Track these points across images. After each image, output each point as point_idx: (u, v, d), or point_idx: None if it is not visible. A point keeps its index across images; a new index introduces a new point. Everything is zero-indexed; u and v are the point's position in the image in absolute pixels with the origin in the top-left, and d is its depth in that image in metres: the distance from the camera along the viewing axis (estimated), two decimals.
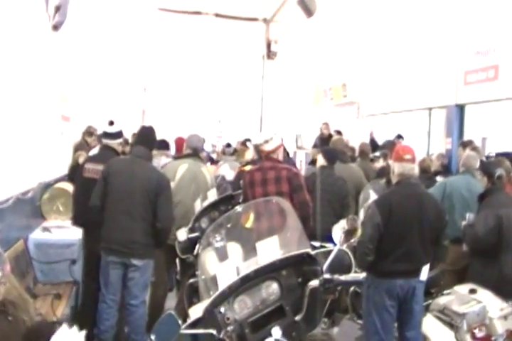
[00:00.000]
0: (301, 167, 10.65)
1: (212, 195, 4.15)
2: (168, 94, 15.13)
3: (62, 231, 5.00)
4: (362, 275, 2.29)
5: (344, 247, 2.41)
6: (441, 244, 3.46)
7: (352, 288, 3.75)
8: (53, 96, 5.91)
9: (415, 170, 3.53)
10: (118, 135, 4.41)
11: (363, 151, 6.82)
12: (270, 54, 12.17)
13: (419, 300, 3.43)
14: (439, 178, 5.75)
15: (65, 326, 2.53)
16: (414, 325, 3.44)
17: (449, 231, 3.65)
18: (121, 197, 3.80)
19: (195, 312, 2.36)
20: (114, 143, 4.35)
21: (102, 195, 3.85)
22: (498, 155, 6.02)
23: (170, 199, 3.98)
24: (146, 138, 4.07)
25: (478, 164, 4.92)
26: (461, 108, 8.53)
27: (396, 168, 3.44)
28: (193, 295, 3.06)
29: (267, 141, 4.04)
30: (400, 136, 9.09)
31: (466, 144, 6.42)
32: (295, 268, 2.33)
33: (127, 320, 3.93)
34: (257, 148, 4.22)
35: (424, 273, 3.38)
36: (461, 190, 4.85)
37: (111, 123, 4.36)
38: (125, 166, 3.92)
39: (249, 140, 8.48)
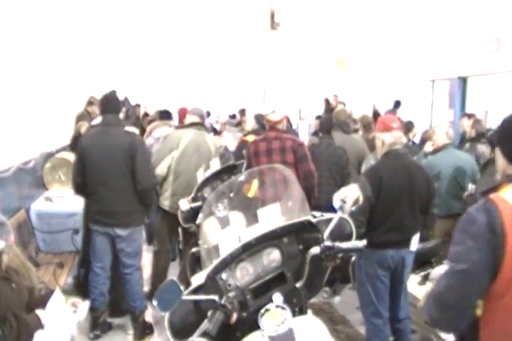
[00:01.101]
0: (304, 138, 10.63)
1: (215, 165, 4.13)
2: (171, 65, 14.95)
3: (64, 200, 5.02)
4: (362, 243, 2.28)
5: (345, 215, 2.39)
6: (429, 212, 3.54)
7: (353, 258, 3.77)
8: (58, 68, 5.84)
9: (404, 138, 3.56)
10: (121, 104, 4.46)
11: (366, 124, 6.75)
12: (274, 24, 11.94)
13: (409, 271, 3.53)
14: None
15: (58, 293, 2.57)
16: (404, 296, 3.53)
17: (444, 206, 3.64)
18: (97, 169, 3.79)
19: (197, 280, 2.37)
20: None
21: (81, 170, 3.85)
22: None
23: (146, 159, 3.94)
24: (111, 104, 3.97)
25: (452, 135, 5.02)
26: (463, 80, 8.44)
27: (386, 138, 3.40)
28: (196, 264, 3.06)
29: (273, 111, 4.06)
30: (398, 103, 9.00)
31: (469, 116, 6.36)
32: (296, 236, 2.31)
33: (124, 289, 3.98)
34: (264, 118, 4.23)
35: (414, 243, 3.44)
36: (446, 167, 4.85)
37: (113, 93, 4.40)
38: (96, 138, 3.89)
39: (243, 110, 8.45)
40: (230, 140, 6.35)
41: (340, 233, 2.33)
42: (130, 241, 3.90)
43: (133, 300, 3.97)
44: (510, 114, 1.86)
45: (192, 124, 4.76)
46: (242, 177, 2.75)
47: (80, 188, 3.94)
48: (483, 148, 5.33)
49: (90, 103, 7.03)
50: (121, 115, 4.03)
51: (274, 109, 4.08)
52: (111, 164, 3.77)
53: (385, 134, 3.41)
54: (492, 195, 1.70)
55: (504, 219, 1.62)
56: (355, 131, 6.72)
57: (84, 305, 2.88)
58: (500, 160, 1.80)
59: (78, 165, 3.89)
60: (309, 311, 2.30)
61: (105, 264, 3.95)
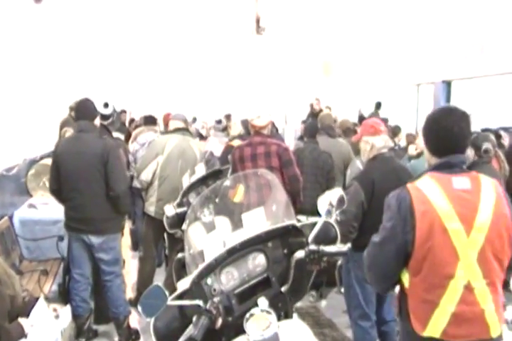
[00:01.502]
0: (290, 143, 10.65)
1: (201, 170, 4.13)
2: (157, 71, 14.91)
3: (49, 207, 4.96)
4: (346, 247, 2.30)
5: (330, 219, 2.40)
6: None
7: (339, 262, 3.78)
8: (42, 73, 5.81)
9: (390, 141, 3.66)
10: (110, 116, 4.70)
11: (345, 129, 6.72)
12: (259, 29, 11.99)
13: None
14: None
15: (42, 301, 2.54)
16: (390, 298, 3.50)
17: None
18: (71, 175, 3.76)
19: (183, 285, 2.36)
20: (105, 122, 4.52)
21: (56, 177, 3.82)
22: (483, 130, 6.06)
23: (119, 165, 3.89)
24: (85, 110, 3.94)
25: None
26: (448, 84, 8.55)
27: (376, 141, 3.40)
28: (182, 270, 3.04)
29: (258, 117, 4.07)
30: (379, 105, 9.05)
31: None
32: (281, 240, 2.31)
33: (106, 297, 3.96)
34: (249, 123, 4.24)
35: None
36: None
37: (106, 105, 4.53)
38: (69, 144, 3.86)
39: (229, 115, 8.46)
40: (216, 145, 6.35)
41: (325, 237, 2.33)
42: (107, 250, 3.86)
43: (115, 306, 3.94)
44: (432, 112, 2.07)
45: (177, 130, 4.76)
46: (227, 182, 2.75)
47: (56, 195, 3.92)
48: (468, 152, 5.39)
49: (73, 109, 6.98)
50: (97, 121, 4.00)
51: (259, 114, 4.09)
52: (84, 170, 3.74)
53: (375, 138, 3.41)
54: (408, 184, 2.00)
55: (414, 205, 1.91)
56: (341, 135, 6.76)
57: (65, 311, 2.85)
58: (426, 153, 2.09)
59: (53, 172, 3.86)
60: (295, 315, 2.31)
61: (84, 271, 3.92)
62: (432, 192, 1.92)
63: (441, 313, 1.91)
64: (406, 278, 1.99)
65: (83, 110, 3.90)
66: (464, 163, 2.04)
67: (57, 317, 2.75)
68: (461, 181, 1.94)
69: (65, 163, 3.78)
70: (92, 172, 3.73)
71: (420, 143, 5.12)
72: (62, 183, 3.81)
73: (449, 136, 1.97)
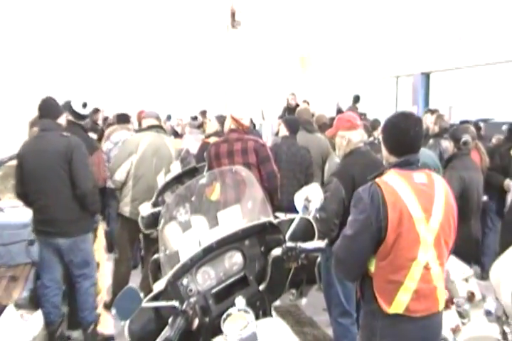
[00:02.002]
0: (267, 139, 10.53)
1: (176, 168, 4.02)
2: (130, 68, 14.70)
3: (18, 211, 4.78)
4: (324, 243, 2.27)
5: (308, 216, 2.35)
6: None
7: (319, 259, 3.74)
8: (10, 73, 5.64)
9: (365, 135, 3.70)
10: (88, 116, 4.75)
11: (322, 124, 6.47)
12: (234, 23, 11.93)
13: None
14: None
15: (11, 308, 2.44)
16: None
17: None
18: (34, 176, 3.65)
19: (158, 286, 2.30)
20: (82, 122, 4.54)
21: (21, 179, 3.71)
22: (461, 122, 6.08)
23: (84, 162, 3.74)
24: (48, 108, 3.83)
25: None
26: (426, 76, 8.55)
27: (353, 136, 3.35)
28: (158, 271, 2.96)
29: (241, 119, 4.06)
30: (357, 98, 8.89)
31: (432, 112, 6.40)
32: (258, 238, 2.27)
33: (76, 300, 3.85)
34: (237, 122, 4.13)
35: None
36: None
37: (84, 105, 4.44)
38: (32, 144, 3.75)
39: (205, 112, 8.27)
40: (192, 142, 6.22)
41: (303, 233, 2.32)
42: (76, 251, 3.75)
43: (81, 310, 3.83)
44: (390, 118, 2.33)
45: (150, 127, 4.65)
46: (202, 180, 2.69)
47: (23, 198, 3.80)
48: (447, 144, 5.40)
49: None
50: (62, 120, 3.89)
51: (242, 116, 4.05)
52: (47, 170, 3.62)
53: (352, 132, 3.36)
54: (377, 179, 2.22)
55: (385, 196, 2.13)
56: (317, 130, 6.68)
57: (36, 318, 2.74)
58: (384, 152, 2.33)
59: (17, 174, 3.74)
60: (274, 313, 2.26)
61: (55, 275, 3.79)
62: (398, 185, 2.18)
63: (405, 291, 2.17)
64: (372, 263, 2.22)
65: (46, 108, 3.80)
66: (418, 161, 2.29)
67: (26, 323, 2.63)
68: (419, 176, 2.24)
69: (27, 164, 3.67)
70: (56, 171, 3.61)
71: None
72: (26, 184, 3.68)
73: (407, 139, 2.25)
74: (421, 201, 2.17)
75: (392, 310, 2.18)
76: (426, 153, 5.01)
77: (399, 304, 2.18)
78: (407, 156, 2.26)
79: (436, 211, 2.20)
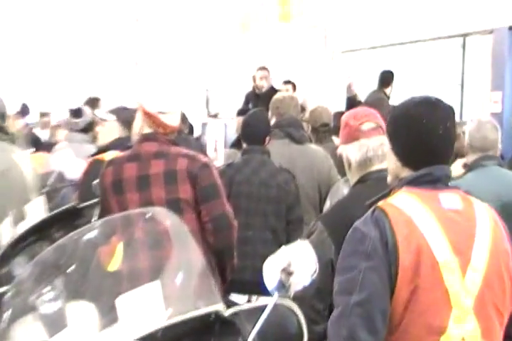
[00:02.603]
0: (216, 153, 5.53)
1: (36, 210, 2.62)
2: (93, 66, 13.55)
3: None
4: None
5: (287, 300, 1.42)
6: None
7: None
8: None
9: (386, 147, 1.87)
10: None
11: (322, 126, 4.09)
12: None
13: None
14: None
15: None
16: None
17: None
18: None
19: None
20: None
21: None
22: None
23: None
24: None
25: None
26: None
27: (354, 151, 2.05)
28: None
29: (166, 113, 2.37)
30: (387, 78, 5.58)
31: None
32: None
33: None
34: (156, 120, 2.41)
35: None
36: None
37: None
38: None
39: (96, 99, 5.30)
40: (70, 159, 3.69)
41: (281, 332, 1.53)
42: None
43: None
44: (406, 100, 1.57)
45: None
46: (90, 234, 1.81)
47: None
48: None
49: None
50: None
51: (167, 108, 2.39)
52: None
53: (354, 145, 1.93)
54: (379, 203, 1.54)
55: (394, 227, 1.46)
56: (311, 137, 3.98)
57: None
58: (393, 162, 1.60)
59: None
60: None
61: None
62: (414, 211, 1.50)
63: None
64: None
65: None
66: (449, 178, 1.59)
67: None
68: (450, 199, 1.54)
69: None
70: None
71: None
72: None
73: (431, 141, 1.54)
74: (451, 237, 1.48)
75: None
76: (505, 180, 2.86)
77: None
78: (429, 168, 1.55)
79: (478, 255, 1.50)
